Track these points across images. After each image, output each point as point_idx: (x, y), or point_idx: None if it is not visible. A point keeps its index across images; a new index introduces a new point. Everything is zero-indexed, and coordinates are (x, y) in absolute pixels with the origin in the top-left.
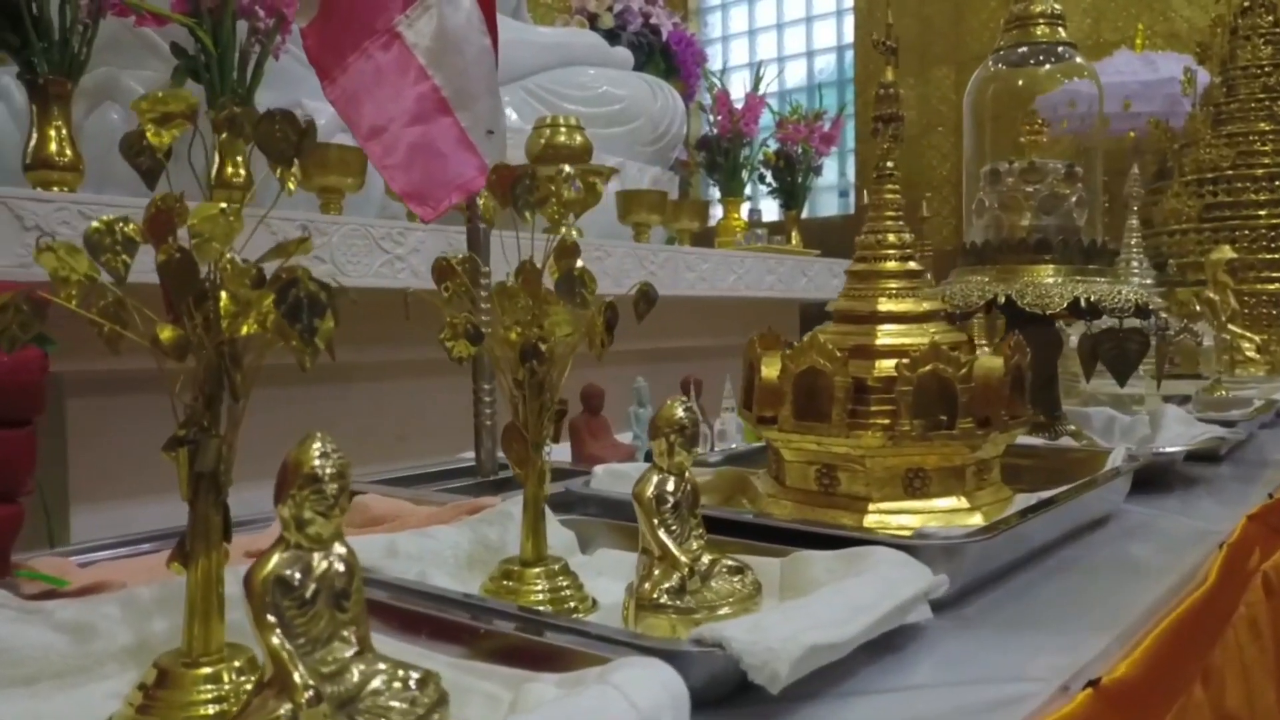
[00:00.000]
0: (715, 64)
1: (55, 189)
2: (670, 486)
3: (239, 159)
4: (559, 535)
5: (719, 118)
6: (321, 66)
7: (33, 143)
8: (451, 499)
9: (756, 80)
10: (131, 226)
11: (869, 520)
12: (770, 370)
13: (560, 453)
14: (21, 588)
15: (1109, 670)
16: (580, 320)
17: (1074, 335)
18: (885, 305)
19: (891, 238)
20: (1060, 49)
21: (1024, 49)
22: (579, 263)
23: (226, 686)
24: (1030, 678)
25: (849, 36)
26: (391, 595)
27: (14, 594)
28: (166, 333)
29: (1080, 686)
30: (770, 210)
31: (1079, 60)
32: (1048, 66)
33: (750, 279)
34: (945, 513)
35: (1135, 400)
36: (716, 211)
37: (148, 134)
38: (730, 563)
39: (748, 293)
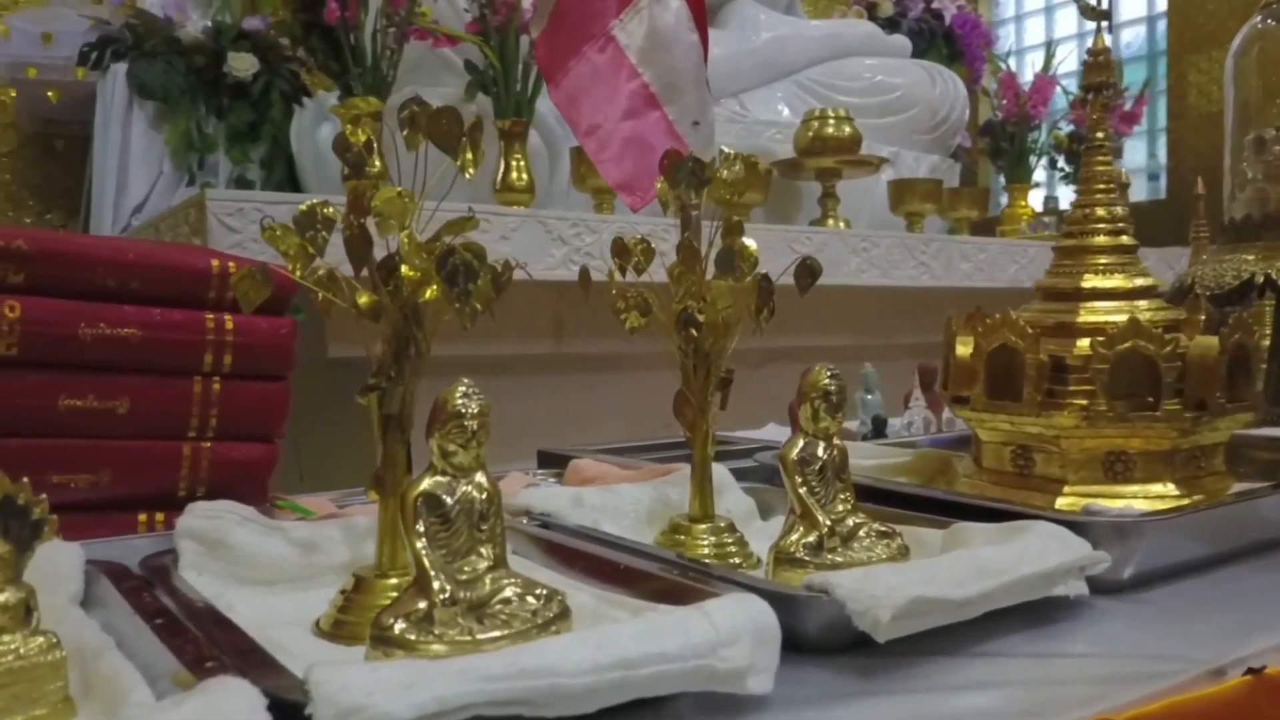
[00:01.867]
0: (1007, 45)
1: None
2: (819, 451)
3: (521, 164)
4: (740, 501)
5: (1004, 101)
6: (548, 72)
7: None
8: (655, 466)
9: (1048, 59)
10: (330, 209)
11: (1061, 502)
12: (964, 349)
13: (774, 435)
14: (277, 514)
15: None
16: (740, 294)
17: None
18: (1091, 281)
19: (1101, 211)
20: None
21: None
22: (748, 242)
23: None
24: (1187, 659)
25: (1161, 4)
26: (563, 535)
27: (263, 515)
28: (364, 299)
29: (1240, 672)
30: (1069, 197)
31: None
32: None
33: (1035, 269)
34: (1147, 499)
35: None
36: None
37: (348, 134)
38: (880, 528)
39: (1031, 284)
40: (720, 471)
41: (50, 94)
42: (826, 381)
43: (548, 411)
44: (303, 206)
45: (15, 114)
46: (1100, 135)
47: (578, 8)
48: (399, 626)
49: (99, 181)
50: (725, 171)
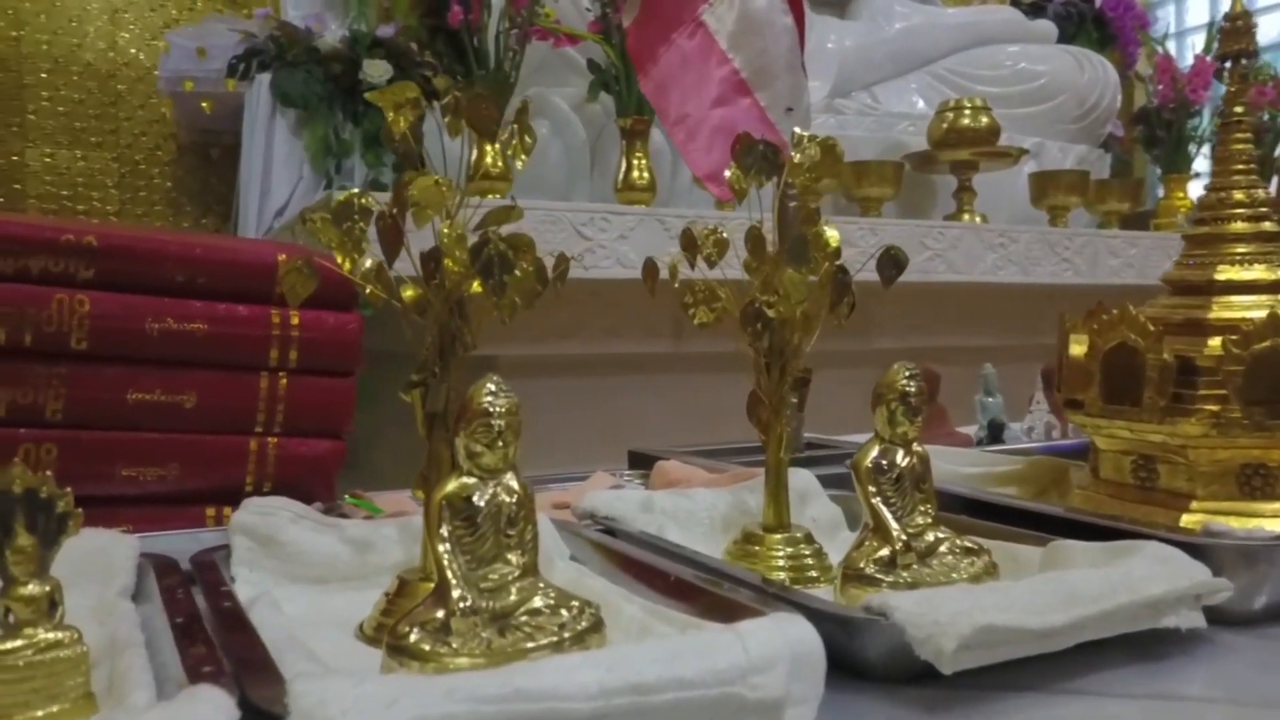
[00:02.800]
0: (1165, 28)
1: (490, 196)
2: (897, 458)
3: (643, 162)
4: (825, 510)
5: (1159, 86)
6: (639, 61)
7: (473, 157)
8: (740, 469)
9: (1209, 40)
10: (367, 199)
11: (1187, 519)
12: (1078, 347)
13: None
14: (345, 510)
15: None
16: (814, 286)
17: None
18: (1226, 273)
19: (1239, 195)
20: None
21: None
22: (829, 231)
23: None
24: None
25: None
26: (624, 542)
27: (319, 512)
28: (409, 292)
29: None
30: None
31: None
32: None
33: None
34: None
35: None
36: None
37: (390, 121)
38: (966, 544)
39: None
40: (805, 477)
41: (204, 105)
42: (904, 382)
43: (667, 411)
44: (340, 197)
45: (174, 125)
46: (1238, 110)
47: None
48: (414, 636)
49: (245, 186)
50: (798, 154)
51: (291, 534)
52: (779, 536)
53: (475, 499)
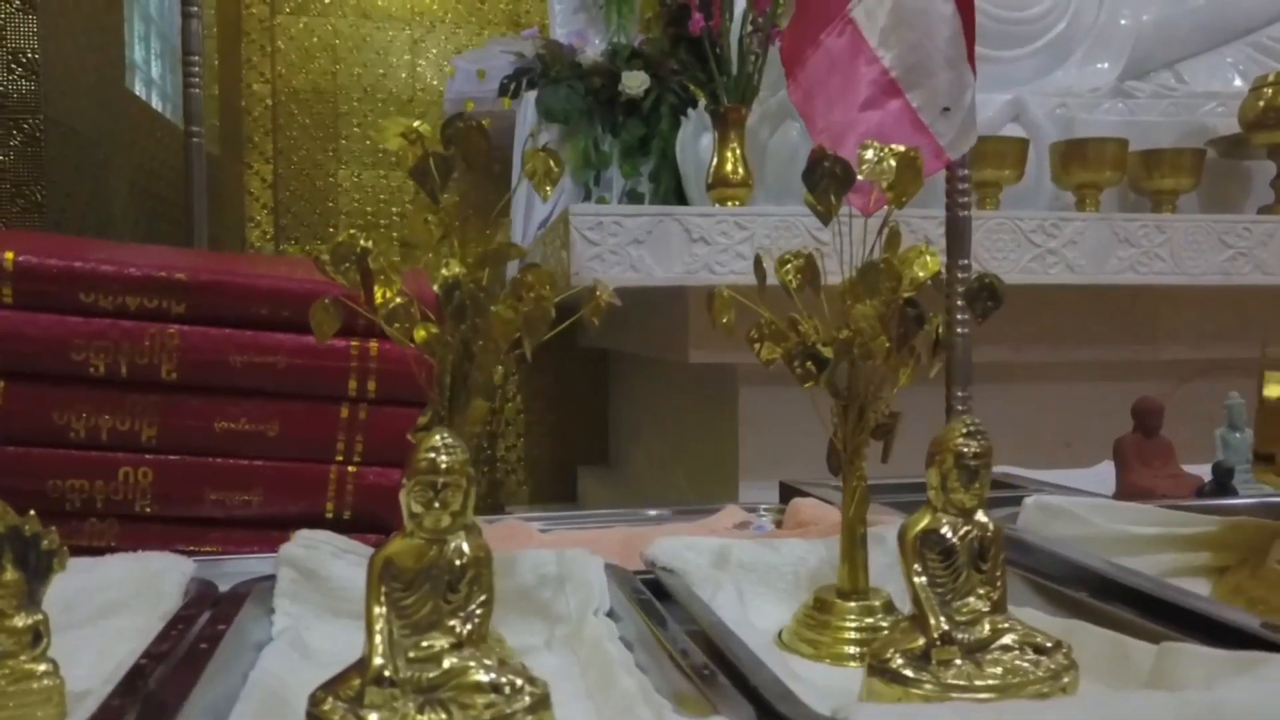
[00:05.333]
0: None
1: (729, 204)
2: (961, 532)
3: None
4: None
5: None
6: (788, 67)
7: (714, 164)
8: (888, 511)
9: None
10: (365, 239)
11: None
12: (1274, 389)
13: (1103, 479)
14: None
15: None
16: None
17: None
18: None
19: None
20: None
21: None
22: (924, 258)
23: None
24: None
25: None
26: (663, 602)
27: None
28: (421, 333)
29: None
30: None
31: None
32: None
33: None
34: None
35: None
36: None
37: (400, 155)
38: (1042, 640)
39: None
40: None
41: (484, 123)
42: (960, 441)
43: (927, 427)
44: (341, 238)
45: None
46: None
47: None
48: (327, 705)
49: (515, 199)
50: (864, 170)
51: (333, 569)
52: (853, 604)
53: (415, 561)
